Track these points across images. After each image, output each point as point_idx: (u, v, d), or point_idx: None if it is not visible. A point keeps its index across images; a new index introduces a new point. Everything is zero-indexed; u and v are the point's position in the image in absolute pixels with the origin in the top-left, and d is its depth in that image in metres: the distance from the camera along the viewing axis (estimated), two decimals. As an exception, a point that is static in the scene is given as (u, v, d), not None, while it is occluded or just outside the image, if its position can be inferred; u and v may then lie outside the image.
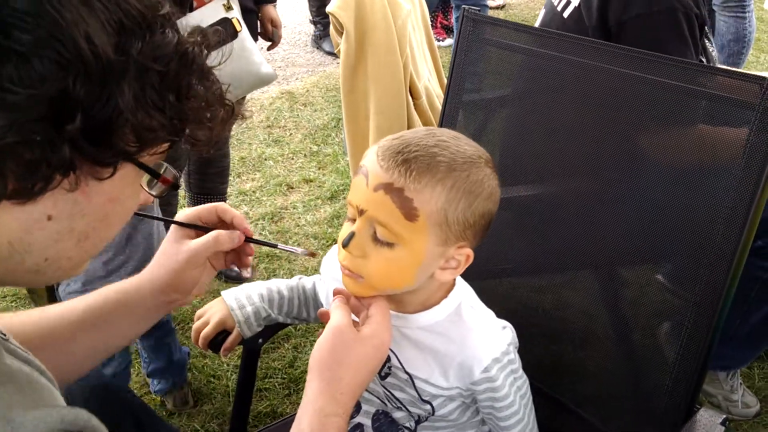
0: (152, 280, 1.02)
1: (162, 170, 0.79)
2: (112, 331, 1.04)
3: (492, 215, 0.97)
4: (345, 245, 0.93)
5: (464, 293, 1.05)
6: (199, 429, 2.05)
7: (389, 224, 0.90)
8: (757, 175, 1.02)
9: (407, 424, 1.10)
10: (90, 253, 0.73)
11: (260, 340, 1.26)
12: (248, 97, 4.61)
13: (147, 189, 0.85)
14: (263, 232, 3.03)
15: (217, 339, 1.20)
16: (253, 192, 3.37)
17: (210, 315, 1.21)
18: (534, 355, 1.35)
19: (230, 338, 1.20)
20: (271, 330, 1.27)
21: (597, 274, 1.33)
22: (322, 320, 0.97)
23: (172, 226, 1.04)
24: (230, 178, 3.50)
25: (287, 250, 1.11)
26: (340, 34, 1.99)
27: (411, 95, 1.98)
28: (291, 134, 4.01)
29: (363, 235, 0.92)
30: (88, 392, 1.24)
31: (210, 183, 2.68)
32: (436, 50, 2.65)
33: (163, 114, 0.64)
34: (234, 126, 3.94)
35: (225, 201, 2.85)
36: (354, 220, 0.94)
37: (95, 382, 1.28)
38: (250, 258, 1.08)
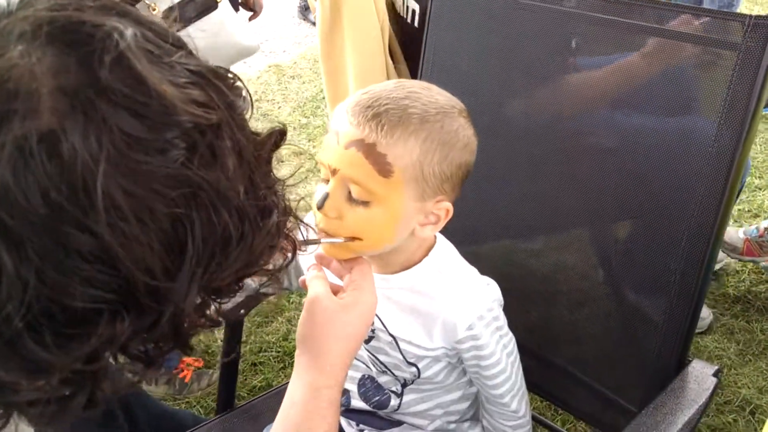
0: None
1: None
2: None
3: (469, 166, 0.93)
4: (320, 207, 0.90)
5: (445, 251, 1.02)
6: (194, 405, 2.03)
7: (363, 182, 0.87)
8: (741, 119, 0.99)
9: (393, 388, 1.08)
10: None
11: (242, 311, 1.24)
12: (235, 71, 4.56)
13: None
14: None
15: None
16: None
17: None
18: (530, 318, 1.34)
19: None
20: (253, 300, 1.24)
21: (590, 234, 1.30)
22: (304, 288, 0.94)
23: None
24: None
25: (330, 242, 1.02)
26: (315, -3, 1.95)
27: (392, 59, 1.93)
28: (279, 107, 3.97)
29: (337, 195, 0.89)
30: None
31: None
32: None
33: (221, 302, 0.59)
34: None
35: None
36: (327, 181, 0.90)
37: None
38: None
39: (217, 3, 2.05)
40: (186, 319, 0.53)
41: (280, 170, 0.67)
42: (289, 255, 0.68)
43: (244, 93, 0.58)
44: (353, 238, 0.90)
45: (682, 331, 1.08)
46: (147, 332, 0.51)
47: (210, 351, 2.23)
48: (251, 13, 2.48)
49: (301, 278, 0.95)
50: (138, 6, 1.88)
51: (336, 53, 1.96)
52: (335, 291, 0.89)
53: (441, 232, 1.04)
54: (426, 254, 1.00)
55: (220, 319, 0.61)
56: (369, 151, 0.86)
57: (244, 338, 2.28)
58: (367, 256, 0.96)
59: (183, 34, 1.51)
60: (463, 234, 1.37)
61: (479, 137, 1.34)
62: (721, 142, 1.01)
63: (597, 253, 1.29)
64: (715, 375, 1.04)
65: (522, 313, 1.34)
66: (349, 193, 0.88)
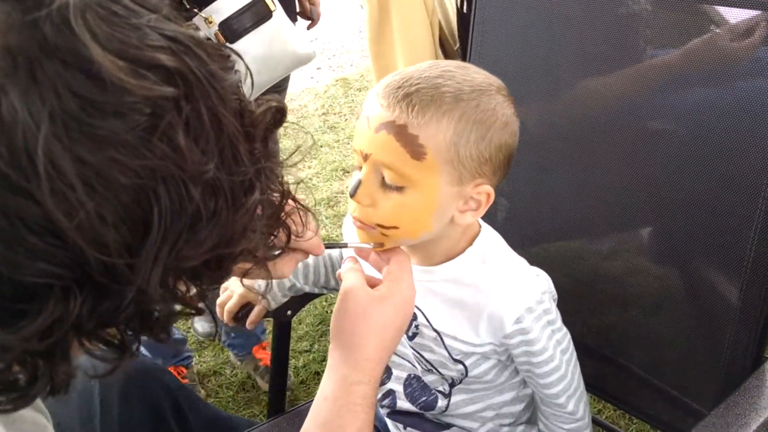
0: None
1: None
2: None
3: (511, 149, 0.87)
4: (352, 195, 0.86)
5: (491, 240, 0.96)
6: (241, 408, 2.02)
7: (396, 166, 0.82)
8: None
9: (440, 388, 1.02)
10: None
11: (289, 312, 1.21)
12: (303, 87, 4.62)
13: None
14: (320, 218, 3.00)
15: (242, 312, 1.15)
16: (310, 179, 3.35)
17: (233, 288, 1.16)
18: (601, 321, 1.27)
19: (254, 311, 1.16)
20: (300, 301, 1.21)
21: (658, 231, 1.22)
22: (341, 281, 0.90)
23: None
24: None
25: (357, 246, 0.97)
26: (364, -8, 1.93)
27: (443, 51, 1.88)
28: (346, 119, 3.98)
29: (370, 181, 0.85)
30: (127, 376, 1.23)
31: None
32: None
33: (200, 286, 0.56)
34: (289, 116, 3.93)
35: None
36: (360, 168, 0.87)
37: (133, 365, 1.26)
38: None
39: (271, 12, 2.06)
40: (154, 302, 0.50)
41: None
42: (282, 242, 0.64)
43: (237, 66, 0.54)
44: (389, 228, 0.86)
45: (757, 324, 0.99)
46: (110, 315, 0.48)
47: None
48: (309, 22, 2.47)
49: (338, 271, 0.92)
50: (195, 20, 1.91)
51: (386, 51, 1.93)
52: (373, 284, 0.85)
53: (500, 232, 1.00)
54: (470, 244, 0.94)
55: (201, 306, 0.57)
56: (400, 133, 0.81)
57: (307, 347, 2.27)
58: (406, 248, 0.92)
59: (242, 42, 1.47)
60: (525, 236, 1.32)
61: (533, 129, 1.29)
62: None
63: (667, 250, 1.20)
64: (795, 373, 0.95)
65: (592, 316, 1.27)
66: (383, 178, 0.84)
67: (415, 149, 0.81)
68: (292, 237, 0.68)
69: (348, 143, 3.67)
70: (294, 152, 0.62)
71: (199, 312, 0.57)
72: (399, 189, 0.83)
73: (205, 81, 0.49)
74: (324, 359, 2.19)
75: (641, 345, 1.22)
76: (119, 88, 0.44)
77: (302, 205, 0.68)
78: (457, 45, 1.92)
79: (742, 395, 0.91)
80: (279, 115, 0.59)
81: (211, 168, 0.48)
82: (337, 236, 2.78)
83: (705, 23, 1.05)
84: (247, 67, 0.57)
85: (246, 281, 1.14)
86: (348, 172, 3.40)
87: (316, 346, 2.27)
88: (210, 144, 0.49)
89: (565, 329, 0.96)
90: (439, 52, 1.88)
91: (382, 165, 0.83)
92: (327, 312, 2.40)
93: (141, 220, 0.46)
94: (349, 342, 0.81)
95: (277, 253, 0.67)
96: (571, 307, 1.26)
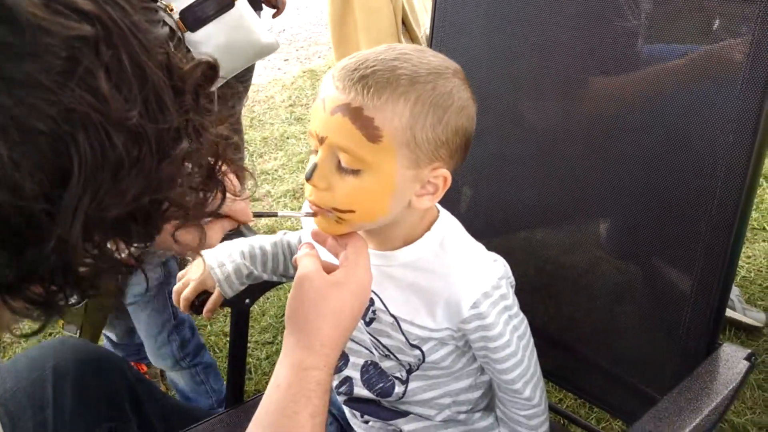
0: None
1: None
2: None
3: (468, 132, 0.87)
4: (308, 178, 0.85)
5: (449, 225, 0.96)
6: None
7: (351, 149, 0.81)
8: (763, 87, 0.91)
9: (398, 374, 1.01)
10: None
11: (247, 300, 1.20)
12: (270, 78, 4.59)
13: None
14: (286, 209, 2.98)
15: (198, 300, 1.13)
16: (275, 171, 3.33)
17: (190, 276, 1.15)
18: (561, 312, 1.27)
19: (211, 299, 1.14)
20: (259, 289, 1.20)
21: (614, 221, 1.23)
22: (296, 267, 0.89)
23: None
24: (252, 158, 3.47)
25: (289, 216, 0.99)
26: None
27: (409, 37, 1.88)
28: (314, 111, 3.95)
29: (326, 164, 0.84)
30: (81, 365, 1.20)
31: (224, 161, 2.63)
32: None
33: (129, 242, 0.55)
34: (256, 107, 3.92)
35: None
36: (316, 152, 0.86)
37: (89, 355, 1.24)
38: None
39: (233, 1, 2.03)
40: (78, 256, 0.49)
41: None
42: (218, 200, 0.63)
43: (167, 20, 0.53)
44: (313, 214, 0.86)
45: (711, 310, 1.00)
46: (31, 266, 0.47)
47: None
48: (275, 11, 2.45)
49: (294, 257, 0.91)
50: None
51: (348, 38, 1.92)
52: (329, 270, 0.85)
53: (464, 221, 0.99)
54: (428, 229, 0.94)
55: (134, 263, 0.56)
56: (355, 115, 0.80)
57: (271, 339, 2.25)
58: (364, 233, 0.91)
59: (204, 31, 1.45)
60: (489, 225, 1.32)
61: (495, 117, 1.29)
62: (745, 102, 0.93)
63: (626, 242, 1.21)
64: (747, 359, 0.96)
65: (554, 306, 1.27)
66: (339, 162, 0.83)
67: (370, 132, 0.80)
68: (228, 197, 0.66)
69: (314, 135, 3.65)
70: (224, 106, 0.60)
71: (129, 271, 0.56)
72: (355, 172, 0.83)
73: (126, 30, 0.47)
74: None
75: (601, 335, 1.23)
76: (35, 28, 0.43)
77: (241, 166, 0.67)
78: (423, 29, 1.91)
79: (694, 380, 0.92)
80: (211, 72, 0.58)
81: (135, 115, 0.47)
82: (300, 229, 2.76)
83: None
84: (178, 25, 0.56)
85: (203, 273, 1.12)
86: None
87: (279, 338, 2.25)
88: (133, 92, 0.47)
89: (522, 315, 0.96)
90: (402, 39, 1.87)
91: (338, 148, 0.82)
92: (290, 303, 2.38)
93: (60, 168, 0.45)
94: (304, 327, 0.80)
95: (208, 215, 0.65)
96: (534, 296, 1.27)
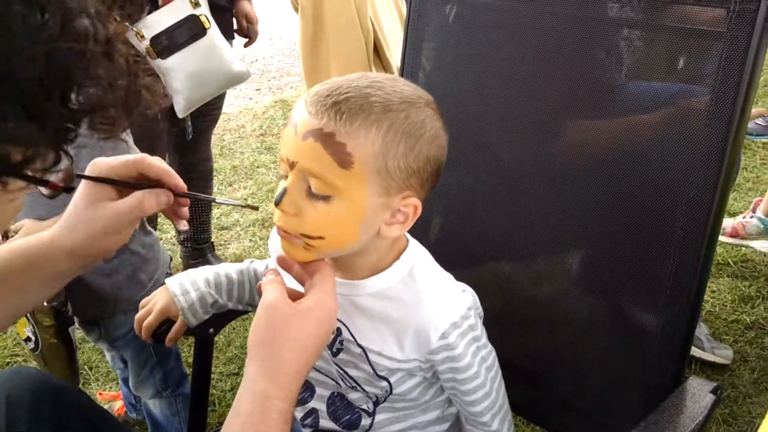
0: (66, 245, 0.90)
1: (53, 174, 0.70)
2: (24, 294, 0.94)
3: (439, 162, 0.87)
4: (277, 203, 0.84)
5: (418, 254, 0.95)
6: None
7: (322, 174, 0.81)
8: (727, 121, 0.92)
9: (364, 406, 1.00)
10: None
11: (211, 330, 1.17)
12: (241, 107, 4.58)
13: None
14: (253, 239, 2.96)
15: (161, 329, 1.11)
16: (245, 199, 3.30)
17: (153, 303, 1.13)
18: (528, 345, 1.27)
19: (174, 327, 1.12)
20: (223, 318, 1.18)
21: (582, 256, 1.23)
22: (260, 294, 0.87)
23: (83, 182, 0.89)
24: (221, 187, 3.45)
25: (226, 204, 1.00)
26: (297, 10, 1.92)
27: (382, 66, 1.89)
28: (284, 141, 3.95)
29: (296, 190, 0.83)
30: (36, 396, 1.17)
31: (193, 189, 2.61)
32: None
33: (42, 130, 0.55)
34: (226, 136, 3.90)
35: (210, 207, 2.78)
36: (286, 177, 0.85)
37: (44, 385, 1.20)
38: (185, 210, 0.96)
39: (206, 29, 2.04)
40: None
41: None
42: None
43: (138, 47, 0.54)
44: (253, 208, 0.90)
45: (677, 344, 1.00)
46: None
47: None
48: (246, 40, 2.46)
49: (258, 283, 0.90)
50: (127, 35, 1.88)
51: (320, 67, 1.93)
52: (295, 297, 0.84)
53: (433, 251, 0.99)
54: (397, 258, 0.93)
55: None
56: (327, 141, 0.80)
57: (236, 370, 2.21)
58: (331, 261, 0.90)
59: (174, 58, 1.48)
60: (457, 256, 1.31)
61: (465, 150, 1.29)
62: (709, 140, 0.94)
63: (592, 276, 1.21)
64: (713, 392, 0.96)
65: (521, 339, 1.27)
66: (309, 187, 0.82)
67: (342, 158, 0.80)
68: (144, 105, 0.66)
69: (285, 165, 3.64)
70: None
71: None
72: (325, 198, 0.82)
73: None
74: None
75: (568, 369, 1.23)
76: None
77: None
78: (396, 60, 1.92)
79: (661, 414, 0.92)
80: None
81: None
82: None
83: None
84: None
85: (166, 301, 1.10)
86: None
87: (244, 370, 2.22)
88: None
89: (490, 346, 0.96)
90: (374, 68, 1.88)
91: (309, 173, 0.81)
92: (257, 334, 2.35)
93: None
94: (267, 355, 0.79)
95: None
96: (501, 329, 1.26)
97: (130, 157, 0.90)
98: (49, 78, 0.53)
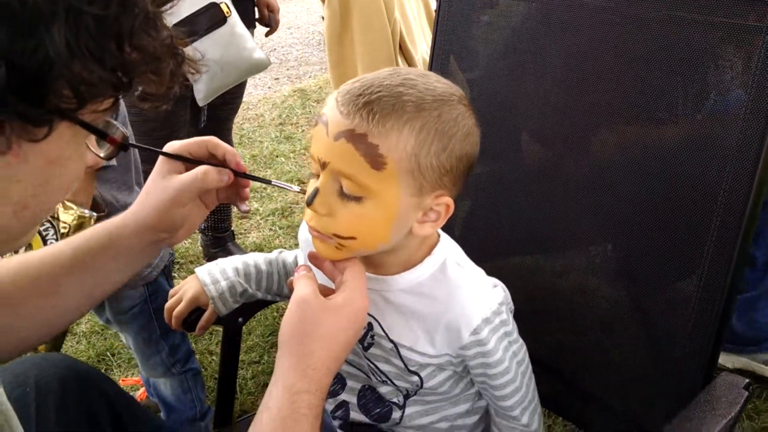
0: (137, 220, 0.93)
1: (111, 129, 0.72)
2: (98, 275, 0.96)
3: (471, 159, 0.87)
4: (309, 203, 0.84)
5: (450, 249, 0.95)
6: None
7: (355, 175, 0.80)
8: (765, 118, 0.91)
9: (395, 399, 1.00)
10: (31, 223, 0.66)
11: (240, 319, 1.18)
12: (260, 96, 4.59)
13: (93, 150, 0.78)
14: (273, 228, 2.96)
15: (191, 317, 1.12)
16: (264, 188, 3.31)
17: (183, 292, 1.13)
18: (555, 339, 1.27)
19: (204, 316, 1.13)
20: (251, 308, 1.19)
21: (611, 250, 1.22)
22: (291, 290, 0.88)
23: (159, 159, 0.94)
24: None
25: (281, 187, 1.02)
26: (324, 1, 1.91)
27: (404, 58, 1.88)
28: (303, 131, 3.96)
29: (328, 190, 0.83)
30: (63, 382, 1.18)
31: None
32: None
33: (103, 65, 0.56)
34: (246, 125, 3.91)
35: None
36: (318, 176, 0.85)
37: (71, 372, 1.22)
38: (247, 190, 0.98)
39: (226, 17, 2.04)
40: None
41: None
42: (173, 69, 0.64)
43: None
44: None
45: (709, 340, 1.00)
46: None
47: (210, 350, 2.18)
48: (268, 29, 2.45)
49: (290, 279, 0.90)
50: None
51: (345, 59, 1.92)
52: (326, 294, 0.84)
53: (460, 243, 0.99)
54: (428, 253, 0.93)
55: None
56: (360, 141, 0.79)
57: (257, 358, 2.22)
58: (362, 258, 0.90)
59: (196, 46, 1.49)
60: (484, 249, 1.31)
61: (493, 141, 1.29)
62: (746, 143, 0.94)
63: (621, 268, 1.21)
64: (746, 388, 0.95)
65: (546, 333, 1.27)
66: (341, 188, 0.82)
67: (375, 159, 0.79)
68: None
69: (304, 154, 3.64)
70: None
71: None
72: (357, 199, 0.82)
73: None
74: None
75: (593, 362, 1.23)
76: None
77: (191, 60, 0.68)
78: (420, 53, 1.92)
79: (694, 409, 0.91)
80: None
81: None
82: (289, 247, 2.74)
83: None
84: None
85: (196, 289, 1.11)
86: (303, 183, 3.37)
87: (265, 358, 2.23)
88: None
89: (521, 341, 0.96)
90: (400, 60, 1.87)
91: (341, 174, 0.81)
92: (278, 323, 2.36)
93: None
94: (297, 350, 0.79)
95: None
96: (525, 322, 1.26)
97: (201, 138, 0.94)
98: (109, 19, 0.55)
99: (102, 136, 0.67)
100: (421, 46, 2.11)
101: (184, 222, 0.94)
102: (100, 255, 0.94)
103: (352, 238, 0.83)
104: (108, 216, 1.34)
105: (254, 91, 4.67)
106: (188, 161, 0.93)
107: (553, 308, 1.27)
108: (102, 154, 0.80)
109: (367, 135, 0.79)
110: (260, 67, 2.19)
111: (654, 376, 1.13)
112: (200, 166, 0.92)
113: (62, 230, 1.36)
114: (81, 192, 1.41)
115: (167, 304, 1.14)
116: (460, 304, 0.90)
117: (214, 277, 1.12)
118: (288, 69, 5.25)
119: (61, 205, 1.37)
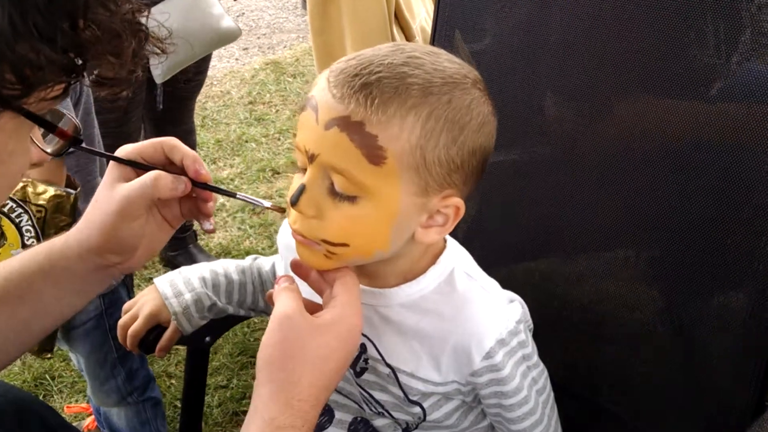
0: (80, 240, 0.91)
1: (60, 121, 0.72)
2: (35, 306, 0.94)
3: (487, 153, 0.86)
4: (294, 203, 0.83)
5: (458, 257, 0.95)
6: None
7: (348, 171, 0.80)
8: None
9: (392, 434, 1.00)
10: None
11: (207, 338, 1.18)
12: (227, 69, 4.57)
13: (40, 144, 0.77)
14: (242, 227, 2.96)
15: (150, 337, 1.11)
16: (232, 180, 3.31)
17: (139, 307, 1.13)
18: (570, 355, 1.27)
19: (166, 335, 1.12)
20: (220, 325, 1.19)
21: (640, 255, 1.23)
22: (271, 304, 0.87)
23: (110, 164, 0.92)
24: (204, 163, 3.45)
25: (249, 201, 1.00)
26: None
27: (405, 37, 1.88)
28: (277, 111, 3.95)
29: (316, 187, 0.82)
30: (2, 413, 1.19)
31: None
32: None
33: (53, 45, 0.57)
34: (209, 104, 3.92)
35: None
36: (305, 170, 0.84)
37: (4, 400, 1.22)
38: (211, 205, 0.96)
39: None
40: None
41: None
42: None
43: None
44: (280, 210, 0.87)
45: (761, 363, 1.00)
46: None
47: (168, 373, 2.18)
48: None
49: (269, 292, 0.89)
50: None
51: (332, 27, 1.91)
52: (311, 309, 0.84)
53: (464, 246, 0.99)
54: (433, 262, 0.93)
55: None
56: (355, 131, 0.79)
57: (224, 382, 2.23)
58: (356, 267, 0.90)
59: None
60: (491, 252, 1.31)
61: (506, 132, 1.28)
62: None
63: (650, 277, 1.21)
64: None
65: (561, 348, 1.27)
66: (332, 185, 0.81)
67: (372, 152, 0.79)
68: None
69: (278, 138, 3.64)
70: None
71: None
72: (351, 199, 0.81)
73: None
74: (244, 397, 2.16)
75: (615, 380, 1.24)
76: None
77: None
78: (418, 21, 1.91)
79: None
80: None
81: None
82: (262, 250, 2.74)
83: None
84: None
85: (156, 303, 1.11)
86: (278, 173, 3.37)
87: (234, 382, 2.23)
88: None
89: (542, 366, 0.96)
90: (395, 29, 1.87)
91: (332, 169, 0.81)
92: (249, 340, 2.37)
93: None
94: (281, 377, 0.79)
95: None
96: (536, 332, 1.27)
97: (156, 139, 0.92)
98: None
99: (50, 128, 0.66)
100: (420, 12, 2.10)
101: (138, 242, 0.92)
102: (38, 281, 0.93)
103: (344, 245, 0.83)
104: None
105: (219, 63, 4.66)
106: (140, 167, 0.91)
107: (568, 319, 1.27)
108: (49, 150, 0.79)
109: (364, 123, 0.78)
110: (229, 37, 2.19)
111: (689, 402, 1.14)
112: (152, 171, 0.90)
113: (37, 215, 1.36)
114: (51, 172, 1.41)
115: (120, 321, 1.13)
116: (470, 322, 0.90)
117: (176, 288, 1.11)
118: (259, 38, 5.23)
119: (31, 187, 1.37)
